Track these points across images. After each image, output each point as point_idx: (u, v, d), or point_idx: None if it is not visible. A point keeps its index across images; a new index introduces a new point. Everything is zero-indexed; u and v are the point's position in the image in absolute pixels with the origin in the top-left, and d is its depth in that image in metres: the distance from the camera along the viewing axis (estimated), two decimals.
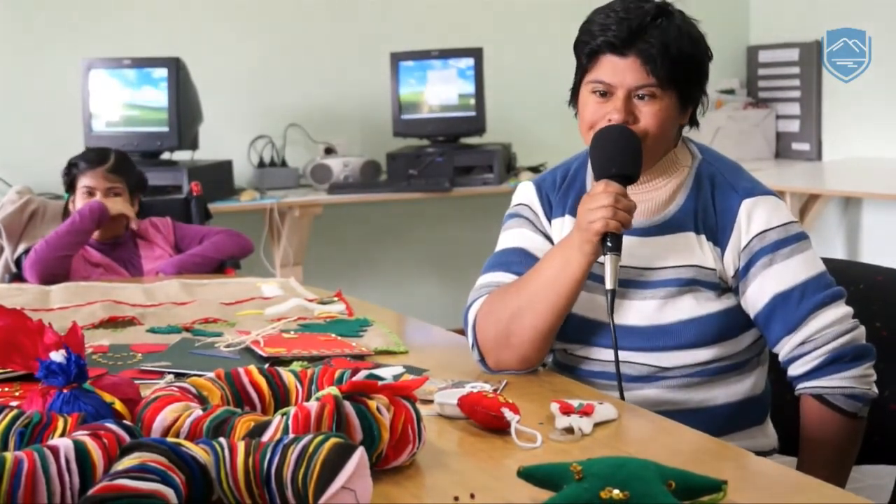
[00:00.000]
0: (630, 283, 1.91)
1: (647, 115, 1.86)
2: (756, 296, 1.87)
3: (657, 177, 1.94)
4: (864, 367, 1.86)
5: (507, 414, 1.55)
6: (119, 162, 3.46)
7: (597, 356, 1.93)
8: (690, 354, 1.88)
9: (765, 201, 1.90)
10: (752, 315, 1.90)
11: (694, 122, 1.98)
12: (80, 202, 3.38)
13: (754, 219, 1.88)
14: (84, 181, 3.40)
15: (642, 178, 1.91)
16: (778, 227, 1.88)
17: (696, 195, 1.93)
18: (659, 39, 1.84)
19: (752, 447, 1.88)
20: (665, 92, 1.86)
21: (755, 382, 1.95)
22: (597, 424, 1.59)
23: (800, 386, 1.88)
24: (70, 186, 3.44)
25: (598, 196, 1.80)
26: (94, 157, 3.46)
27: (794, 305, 1.85)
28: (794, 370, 1.88)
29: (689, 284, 1.88)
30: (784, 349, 1.87)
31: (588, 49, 1.88)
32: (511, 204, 2.07)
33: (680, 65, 1.86)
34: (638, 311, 1.90)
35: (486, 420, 1.57)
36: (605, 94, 1.87)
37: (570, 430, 1.55)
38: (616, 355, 1.83)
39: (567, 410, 1.60)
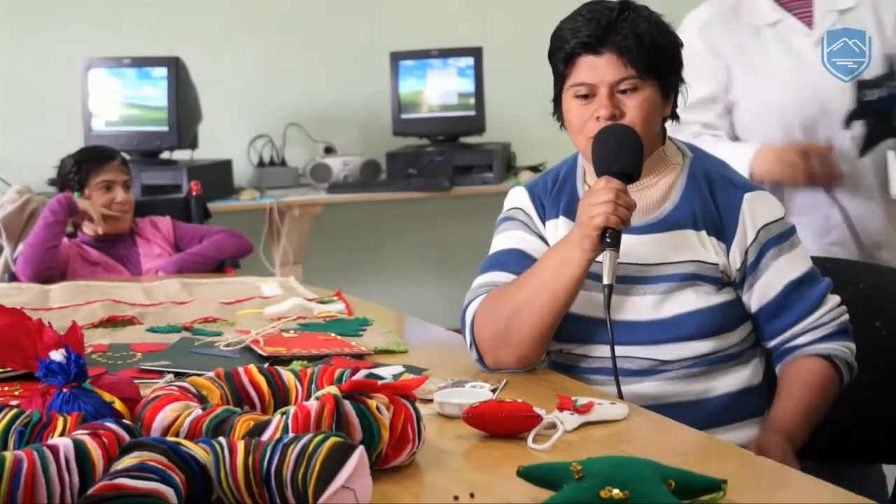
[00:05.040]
0: (628, 279, 1.92)
1: (632, 108, 1.88)
2: (768, 285, 1.91)
3: (648, 174, 1.95)
4: (853, 346, 1.94)
5: (538, 409, 1.55)
6: (123, 157, 3.60)
7: (595, 353, 1.93)
8: (689, 347, 1.89)
9: (763, 195, 1.97)
10: (758, 305, 1.92)
11: (675, 116, 2.00)
12: (97, 197, 3.42)
13: (758, 212, 1.93)
14: (102, 176, 3.47)
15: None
16: (779, 220, 1.94)
17: (692, 193, 1.94)
18: (631, 31, 1.87)
19: (752, 439, 1.89)
20: (645, 82, 1.89)
21: (753, 372, 1.95)
22: (597, 423, 1.59)
23: (808, 349, 1.91)
24: (82, 184, 3.46)
25: (599, 192, 1.81)
26: (104, 153, 3.56)
27: (808, 289, 1.92)
28: (802, 340, 1.92)
29: (688, 279, 1.90)
30: (799, 326, 1.91)
31: (563, 54, 1.91)
32: (504, 209, 2.08)
33: (656, 53, 1.90)
34: (637, 307, 1.91)
35: (513, 424, 1.54)
36: (588, 95, 1.90)
37: (552, 426, 1.54)
38: (612, 352, 1.83)
39: (564, 406, 1.60)
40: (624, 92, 1.88)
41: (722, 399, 1.92)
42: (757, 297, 1.92)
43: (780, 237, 1.92)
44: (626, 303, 1.91)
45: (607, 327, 1.84)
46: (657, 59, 1.90)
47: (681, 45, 1.96)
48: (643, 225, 1.93)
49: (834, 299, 1.94)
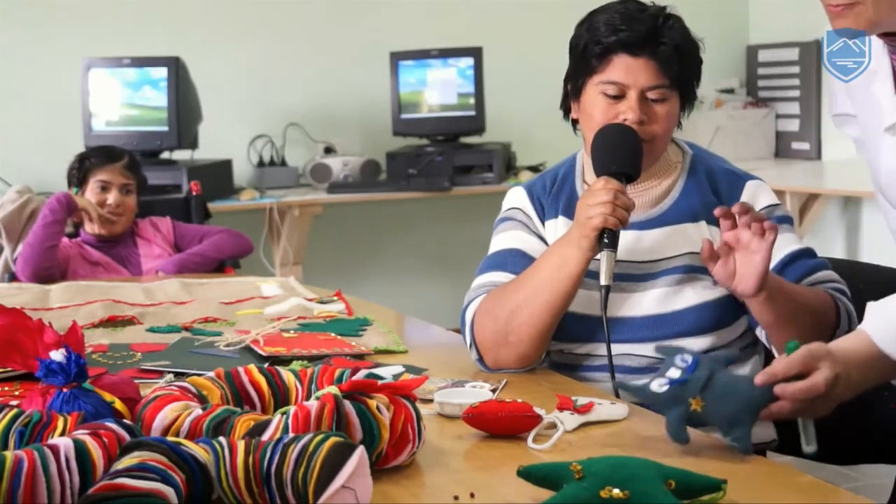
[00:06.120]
0: (630, 276, 1.92)
1: (661, 117, 1.90)
2: None
3: (651, 177, 1.98)
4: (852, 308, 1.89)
5: (538, 409, 1.55)
6: (132, 160, 3.55)
7: (597, 352, 1.94)
8: (689, 343, 1.89)
9: (765, 185, 1.99)
10: None
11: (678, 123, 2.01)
12: (92, 196, 3.42)
13: (760, 196, 1.96)
14: (100, 175, 3.45)
15: (638, 178, 1.93)
16: (780, 205, 1.98)
17: (692, 188, 1.97)
18: (672, 40, 1.88)
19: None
20: (672, 93, 1.91)
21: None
22: (597, 423, 1.59)
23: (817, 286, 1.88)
24: (81, 181, 3.46)
25: (598, 192, 1.82)
26: (110, 153, 3.54)
27: (805, 260, 1.92)
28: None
29: (688, 272, 1.91)
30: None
31: (599, 49, 1.89)
32: (502, 209, 2.08)
33: (688, 67, 1.91)
34: (639, 303, 1.92)
35: (513, 424, 1.54)
36: (617, 95, 1.89)
37: (552, 426, 1.55)
38: (609, 351, 1.84)
39: (564, 406, 1.61)
40: (653, 99, 1.89)
41: None
42: None
43: (779, 219, 1.92)
44: (627, 300, 1.92)
45: (606, 327, 1.84)
46: (688, 73, 1.92)
47: (702, 62, 1.96)
48: (644, 220, 1.95)
49: (834, 273, 1.92)
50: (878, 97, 1.85)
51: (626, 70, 1.87)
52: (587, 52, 1.91)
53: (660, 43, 1.87)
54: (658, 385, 1.51)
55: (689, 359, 1.51)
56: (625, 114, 1.88)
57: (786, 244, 1.92)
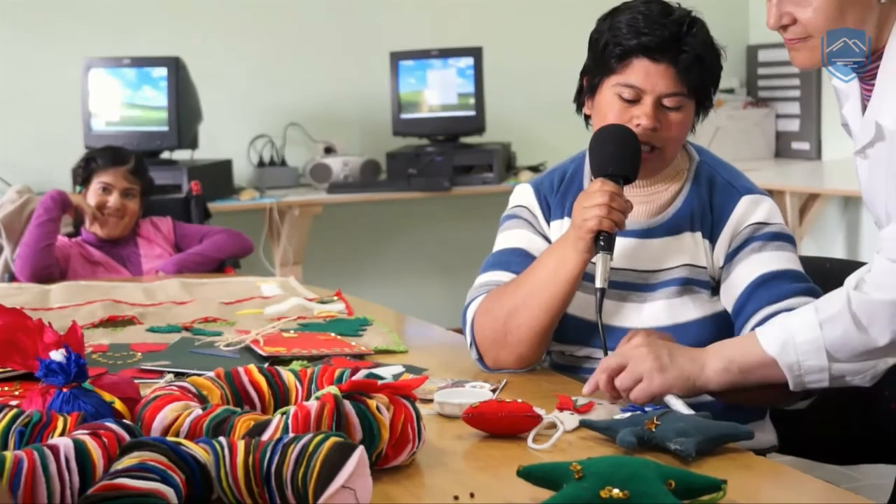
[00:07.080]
0: (632, 285, 1.91)
1: (675, 126, 1.87)
2: (742, 275, 1.86)
3: (659, 182, 1.96)
4: None
5: (538, 409, 1.55)
6: (138, 164, 3.54)
7: (597, 355, 1.92)
8: None
9: (765, 201, 1.93)
10: (733, 296, 1.86)
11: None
12: (93, 197, 3.42)
13: (753, 212, 1.89)
14: (103, 177, 3.45)
15: (645, 182, 1.92)
16: (775, 224, 1.90)
17: (694, 196, 1.94)
18: (693, 49, 1.85)
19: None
20: (689, 101, 1.88)
21: None
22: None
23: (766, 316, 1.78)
24: (85, 181, 3.46)
25: (594, 194, 1.81)
26: (116, 155, 3.53)
27: (783, 283, 1.83)
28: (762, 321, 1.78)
29: (685, 284, 1.89)
30: (759, 316, 1.80)
31: (619, 50, 1.86)
32: (508, 206, 2.07)
33: (707, 77, 1.89)
34: (641, 314, 1.90)
35: (513, 424, 1.54)
36: (633, 99, 1.86)
37: (552, 426, 1.55)
38: (605, 353, 1.83)
39: (564, 406, 1.61)
40: (669, 106, 1.86)
41: (720, 402, 1.91)
42: (732, 286, 1.87)
43: (771, 236, 1.88)
44: (629, 310, 1.91)
45: (608, 329, 1.84)
46: (706, 83, 1.89)
47: (722, 69, 1.93)
48: (648, 227, 1.93)
49: (808, 299, 1.79)
50: (849, 120, 1.84)
51: (644, 75, 1.85)
52: (607, 52, 1.88)
53: (681, 50, 1.84)
54: (619, 415, 1.58)
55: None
56: (639, 119, 1.85)
57: (759, 266, 1.85)
